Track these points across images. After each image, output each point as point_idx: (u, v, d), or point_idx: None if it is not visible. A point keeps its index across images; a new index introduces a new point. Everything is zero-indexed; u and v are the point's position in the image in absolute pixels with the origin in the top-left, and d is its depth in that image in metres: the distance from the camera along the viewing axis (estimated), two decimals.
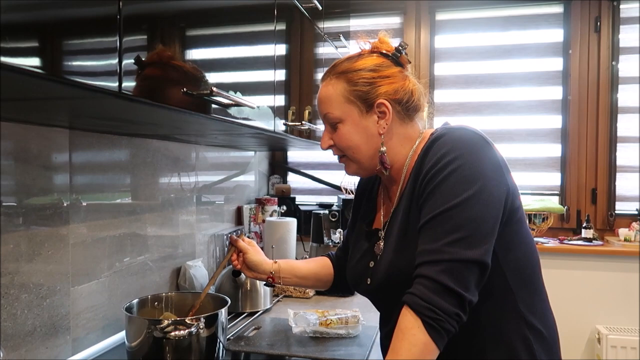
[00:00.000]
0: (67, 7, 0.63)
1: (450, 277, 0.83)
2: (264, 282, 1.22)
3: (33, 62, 0.58)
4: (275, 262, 1.21)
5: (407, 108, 1.02)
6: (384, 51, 1.03)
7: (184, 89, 0.87)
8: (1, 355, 1.04)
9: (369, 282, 1.05)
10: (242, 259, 1.23)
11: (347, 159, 1.06)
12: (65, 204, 1.23)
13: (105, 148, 1.39)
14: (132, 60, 0.74)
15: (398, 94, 1.00)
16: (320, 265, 1.27)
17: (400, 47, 1.03)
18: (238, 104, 1.02)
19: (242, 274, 1.69)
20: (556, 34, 2.64)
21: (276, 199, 2.54)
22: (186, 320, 1.08)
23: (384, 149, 1.01)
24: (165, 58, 0.85)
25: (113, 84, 0.70)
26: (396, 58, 1.03)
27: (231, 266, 1.73)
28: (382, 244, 1.04)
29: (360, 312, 1.55)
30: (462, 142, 0.91)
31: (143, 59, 0.77)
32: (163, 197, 1.68)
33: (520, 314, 0.95)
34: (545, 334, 0.97)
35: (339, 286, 1.28)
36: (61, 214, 1.22)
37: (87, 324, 1.32)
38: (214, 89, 0.90)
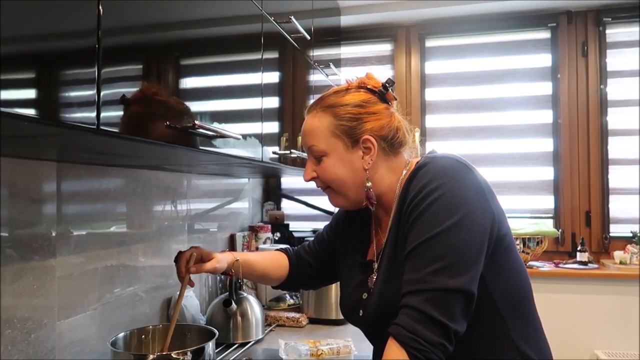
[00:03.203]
0: (47, 40, 0.64)
1: (434, 307, 0.82)
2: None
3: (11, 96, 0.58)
4: (237, 260, 1.19)
5: (392, 144, 1.02)
6: (371, 87, 1.04)
7: (167, 123, 0.88)
8: None
9: (361, 314, 1.04)
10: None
11: (331, 190, 1.06)
12: (53, 235, 1.22)
13: (94, 179, 1.39)
14: (112, 96, 0.74)
15: (383, 131, 1.01)
16: (275, 265, 1.28)
17: (387, 84, 1.04)
18: (222, 136, 1.03)
19: (234, 303, 1.68)
20: (545, 59, 2.67)
21: (269, 225, 2.53)
22: (172, 354, 1.06)
23: (369, 184, 1.01)
24: (148, 93, 0.86)
25: (91, 117, 0.70)
26: (382, 95, 1.03)
27: (222, 296, 1.73)
28: (374, 276, 1.03)
29: (352, 342, 1.53)
30: (444, 170, 0.92)
31: (126, 96, 0.77)
32: (154, 226, 1.67)
33: (513, 342, 0.93)
34: None
35: (290, 286, 1.30)
36: (48, 247, 1.21)
37: (74, 357, 1.30)
38: (197, 122, 0.90)
